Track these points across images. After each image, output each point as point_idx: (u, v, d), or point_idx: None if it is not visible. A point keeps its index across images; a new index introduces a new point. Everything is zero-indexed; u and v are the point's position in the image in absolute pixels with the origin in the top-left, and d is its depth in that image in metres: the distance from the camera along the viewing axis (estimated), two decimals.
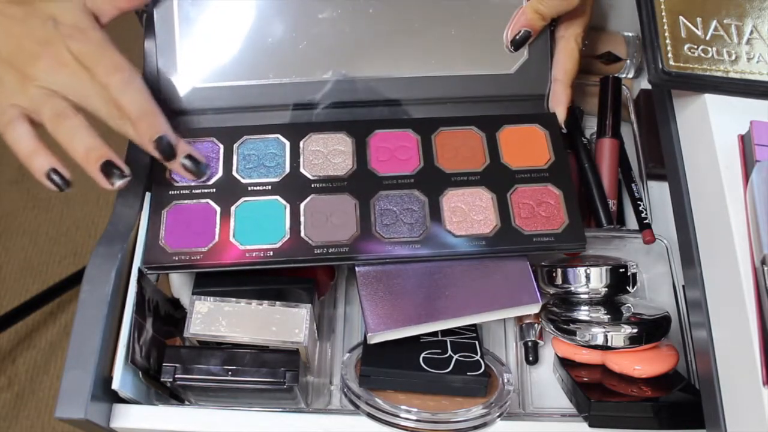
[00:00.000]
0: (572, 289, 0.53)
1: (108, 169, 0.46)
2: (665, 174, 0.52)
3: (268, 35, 0.55)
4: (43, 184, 0.47)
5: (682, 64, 0.46)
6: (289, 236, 0.49)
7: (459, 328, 0.53)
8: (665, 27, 0.47)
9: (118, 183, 0.47)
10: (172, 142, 0.48)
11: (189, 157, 0.50)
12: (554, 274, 0.54)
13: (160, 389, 0.50)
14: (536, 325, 0.56)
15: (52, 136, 0.46)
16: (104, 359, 0.46)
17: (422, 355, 0.49)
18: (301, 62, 0.55)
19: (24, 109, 0.47)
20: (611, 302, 0.53)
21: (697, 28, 0.48)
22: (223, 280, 0.50)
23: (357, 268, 0.50)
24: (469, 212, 0.51)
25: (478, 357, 0.50)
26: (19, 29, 0.47)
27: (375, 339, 0.48)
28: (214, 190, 0.52)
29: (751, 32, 0.48)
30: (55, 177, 0.46)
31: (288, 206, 0.51)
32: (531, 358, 0.56)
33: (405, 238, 0.50)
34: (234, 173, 0.52)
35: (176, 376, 0.47)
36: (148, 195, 0.51)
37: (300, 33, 0.55)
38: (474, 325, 0.53)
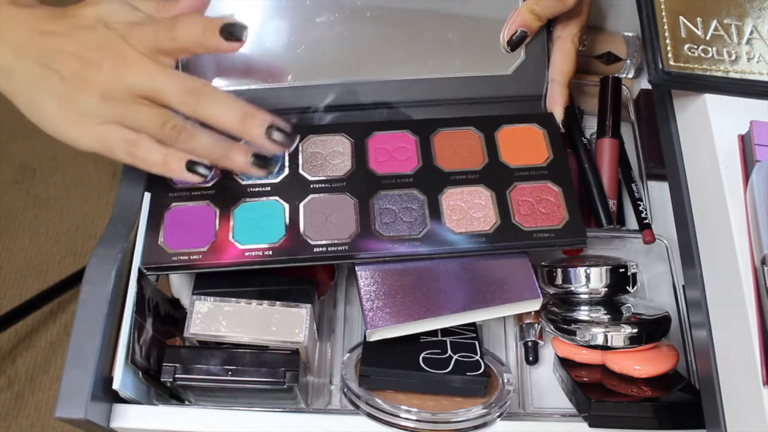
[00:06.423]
0: (572, 289, 0.53)
1: (258, 161, 0.48)
2: (665, 174, 0.52)
3: (266, 40, 0.55)
4: (187, 179, 0.47)
5: (682, 64, 0.46)
6: (288, 235, 0.49)
7: (459, 327, 0.53)
8: (665, 27, 0.47)
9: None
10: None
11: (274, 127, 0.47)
12: (554, 274, 0.54)
13: (160, 389, 0.50)
14: (536, 325, 0.56)
15: (172, 143, 0.46)
16: (104, 359, 0.46)
17: (422, 355, 0.49)
18: (299, 66, 0.55)
19: (118, 119, 0.45)
20: (611, 302, 0.53)
21: (697, 28, 0.48)
22: (223, 281, 0.50)
23: (356, 266, 0.50)
24: (469, 210, 0.51)
25: (477, 357, 0.50)
26: (71, 45, 0.45)
27: (374, 336, 0.48)
28: (213, 191, 0.52)
29: (751, 32, 0.48)
30: (198, 168, 0.47)
31: (287, 206, 0.51)
32: (531, 358, 0.56)
33: (405, 236, 0.50)
34: (233, 175, 0.52)
35: (176, 376, 0.47)
36: (147, 196, 0.51)
37: (298, 37, 0.55)
38: (474, 325, 0.53)
